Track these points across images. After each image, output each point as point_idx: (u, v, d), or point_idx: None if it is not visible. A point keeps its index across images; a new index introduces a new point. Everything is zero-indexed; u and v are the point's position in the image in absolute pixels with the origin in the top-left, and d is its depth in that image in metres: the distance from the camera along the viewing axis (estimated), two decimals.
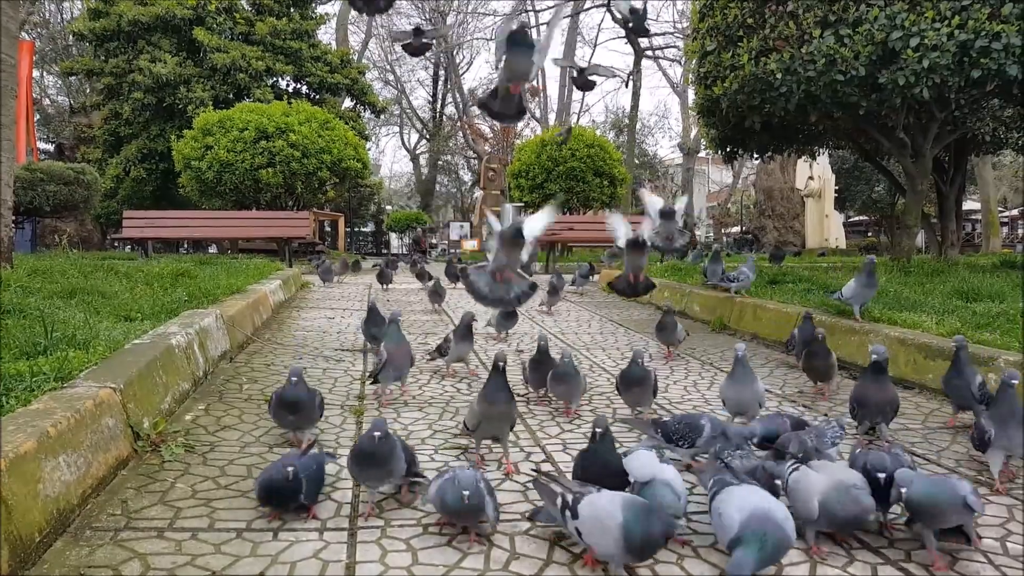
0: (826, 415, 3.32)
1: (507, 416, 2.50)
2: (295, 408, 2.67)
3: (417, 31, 3.74)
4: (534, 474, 2.29)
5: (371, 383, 3.48)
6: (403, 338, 3.39)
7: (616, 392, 3.37)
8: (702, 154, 32.77)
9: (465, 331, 3.90)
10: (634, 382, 3.10)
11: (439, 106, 38.27)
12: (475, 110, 35.85)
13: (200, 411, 3.15)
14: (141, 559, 1.84)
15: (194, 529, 2.02)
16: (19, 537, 1.75)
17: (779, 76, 6.95)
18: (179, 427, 2.90)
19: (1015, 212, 31.09)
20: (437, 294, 6.65)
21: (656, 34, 31.87)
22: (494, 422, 2.49)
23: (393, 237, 34.30)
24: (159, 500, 2.20)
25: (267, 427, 2.97)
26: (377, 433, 2.10)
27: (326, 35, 29.24)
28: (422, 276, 8.68)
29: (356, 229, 33.83)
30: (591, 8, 32.30)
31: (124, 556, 1.85)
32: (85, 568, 1.78)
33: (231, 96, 19.83)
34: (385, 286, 8.55)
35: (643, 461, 2.07)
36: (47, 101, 32.45)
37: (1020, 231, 29.62)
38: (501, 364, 2.48)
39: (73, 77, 25.84)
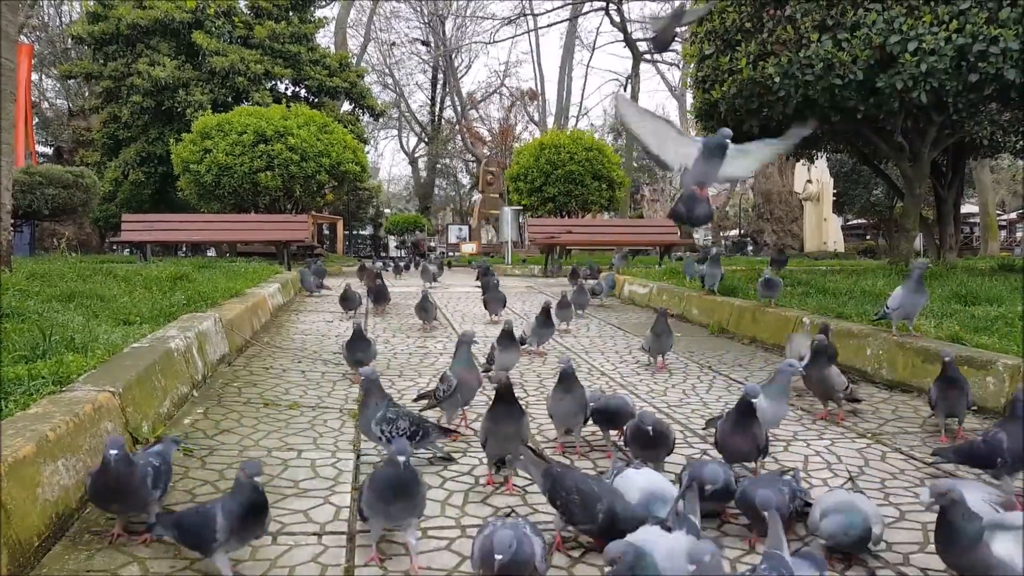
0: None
1: (515, 436, 2.37)
2: (115, 493, 1.91)
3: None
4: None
5: (422, 406, 3.14)
6: (473, 363, 3.12)
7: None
8: None
9: (508, 340, 3.74)
10: (649, 443, 2.45)
11: (438, 109, 38.32)
12: (473, 113, 35.94)
13: (199, 415, 3.15)
14: (140, 563, 1.84)
15: None
16: (18, 541, 1.75)
17: (777, 80, 6.96)
18: (178, 431, 2.90)
19: (1013, 215, 31.14)
20: (424, 310, 5.70)
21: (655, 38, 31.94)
22: (501, 441, 2.37)
23: (392, 240, 34.29)
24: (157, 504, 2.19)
25: (266, 431, 2.97)
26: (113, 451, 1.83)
27: (325, 39, 29.31)
28: (348, 300, 6.32)
29: (355, 232, 33.84)
30: (589, 12, 32.43)
31: (123, 560, 1.85)
32: (84, 572, 1.78)
33: (230, 100, 19.83)
34: (351, 313, 6.40)
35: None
36: (46, 104, 32.47)
37: (1018, 234, 29.64)
38: (501, 389, 2.37)
39: (72, 80, 25.86)
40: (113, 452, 1.84)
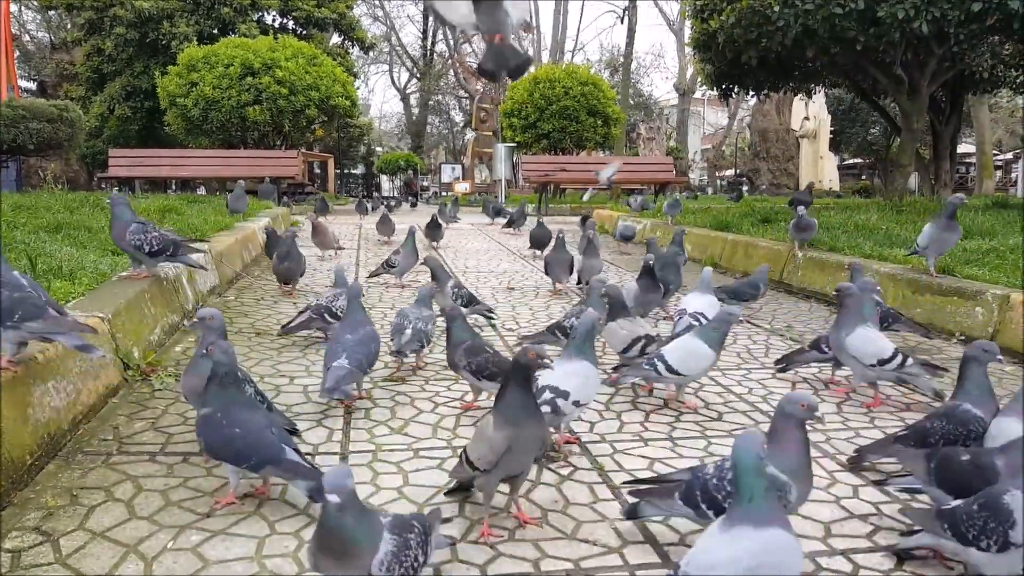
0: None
1: (539, 441, 1.66)
2: None
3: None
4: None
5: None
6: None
7: None
8: (698, 95, 32.22)
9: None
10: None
11: (430, 43, 37.29)
12: (466, 48, 35.09)
13: (190, 343, 3.15)
14: (133, 481, 1.86)
15: (185, 453, 2.04)
16: (11, 459, 1.76)
17: (777, 9, 6.79)
18: (169, 358, 2.91)
19: (1009, 155, 30.88)
20: (388, 267, 4.72)
21: None
22: (521, 455, 1.63)
23: (384, 179, 33.86)
24: (150, 426, 2.22)
25: (258, 358, 2.99)
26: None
27: None
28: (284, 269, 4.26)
29: (346, 171, 33.41)
30: None
31: (116, 478, 1.87)
32: (77, 489, 1.80)
33: (215, 31, 19.27)
34: (285, 285, 4.41)
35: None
36: (26, 37, 31.45)
37: (1014, 174, 29.46)
38: (523, 362, 1.62)
39: (53, 11, 25.01)
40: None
